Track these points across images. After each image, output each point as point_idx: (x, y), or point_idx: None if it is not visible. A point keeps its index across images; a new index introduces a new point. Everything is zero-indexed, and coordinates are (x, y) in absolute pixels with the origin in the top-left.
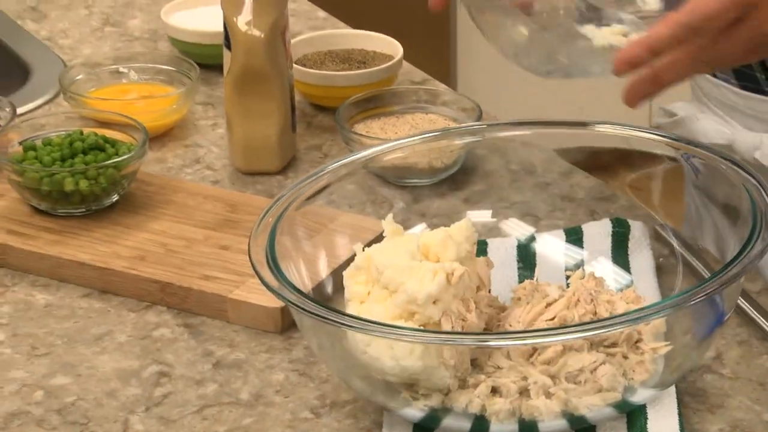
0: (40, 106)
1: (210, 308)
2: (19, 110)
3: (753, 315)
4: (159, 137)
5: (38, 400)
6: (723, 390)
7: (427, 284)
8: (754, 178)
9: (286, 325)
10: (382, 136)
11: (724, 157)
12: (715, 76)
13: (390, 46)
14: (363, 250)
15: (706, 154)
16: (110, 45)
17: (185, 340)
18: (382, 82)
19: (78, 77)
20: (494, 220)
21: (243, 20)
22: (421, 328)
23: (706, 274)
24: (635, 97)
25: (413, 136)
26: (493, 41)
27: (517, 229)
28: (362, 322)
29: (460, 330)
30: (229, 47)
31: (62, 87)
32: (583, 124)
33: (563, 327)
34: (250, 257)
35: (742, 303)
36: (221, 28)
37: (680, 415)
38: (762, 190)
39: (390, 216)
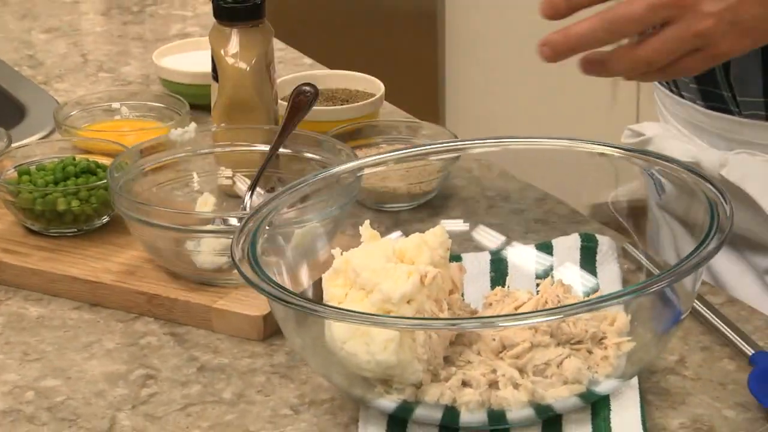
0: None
1: (195, 318)
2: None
3: (715, 322)
4: None
5: (29, 400)
6: (685, 389)
7: (402, 284)
8: (712, 185)
9: (268, 333)
10: None
11: (687, 168)
12: (681, 96)
13: (372, 85)
14: (341, 254)
15: (670, 166)
16: (104, 88)
17: (171, 347)
18: (364, 118)
19: (72, 113)
20: (467, 227)
21: (230, 52)
22: (393, 314)
23: None
24: (545, 44)
25: (388, 153)
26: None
27: (489, 239)
28: (338, 310)
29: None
30: (216, 79)
31: (57, 122)
32: (553, 139)
33: (529, 312)
34: (232, 257)
35: (706, 313)
36: (210, 69)
37: (642, 408)
38: (720, 195)
39: (367, 222)
